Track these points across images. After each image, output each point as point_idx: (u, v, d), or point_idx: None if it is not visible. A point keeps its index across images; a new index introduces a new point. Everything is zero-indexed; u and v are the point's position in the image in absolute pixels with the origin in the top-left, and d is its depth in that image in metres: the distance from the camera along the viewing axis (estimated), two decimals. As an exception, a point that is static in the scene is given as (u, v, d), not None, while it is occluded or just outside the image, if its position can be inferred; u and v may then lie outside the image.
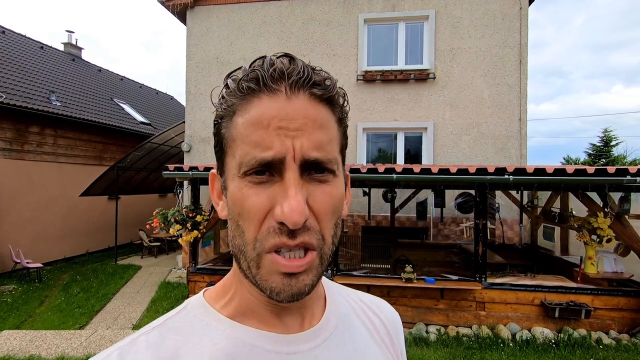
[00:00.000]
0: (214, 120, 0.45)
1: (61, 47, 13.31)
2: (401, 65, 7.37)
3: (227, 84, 0.43)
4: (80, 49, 13.91)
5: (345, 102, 0.45)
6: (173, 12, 8.06)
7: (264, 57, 0.42)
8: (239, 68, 0.43)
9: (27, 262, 7.62)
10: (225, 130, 0.42)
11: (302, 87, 0.40)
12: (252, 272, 0.41)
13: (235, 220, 0.42)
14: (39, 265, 7.80)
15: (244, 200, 0.40)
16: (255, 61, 0.42)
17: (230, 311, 0.46)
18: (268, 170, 0.39)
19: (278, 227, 0.38)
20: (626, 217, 4.54)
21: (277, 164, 0.39)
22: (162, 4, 8.04)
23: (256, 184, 0.40)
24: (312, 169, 0.40)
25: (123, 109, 12.18)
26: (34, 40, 11.90)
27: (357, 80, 7.37)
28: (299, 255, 0.39)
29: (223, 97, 0.43)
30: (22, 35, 11.52)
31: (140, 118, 12.45)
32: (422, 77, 7.14)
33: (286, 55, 0.42)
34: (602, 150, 18.59)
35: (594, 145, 19.09)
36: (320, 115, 0.41)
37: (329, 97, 0.42)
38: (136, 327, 5.15)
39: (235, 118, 0.41)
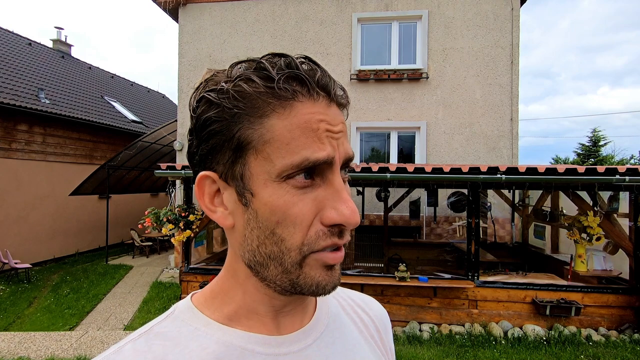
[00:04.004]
0: (217, 117, 0.40)
1: (50, 44, 13.08)
2: (394, 64, 7.39)
3: (245, 79, 0.40)
4: (69, 45, 13.66)
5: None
6: (165, 10, 7.97)
7: (285, 55, 0.40)
8: (244, 61, 0.41)
9: (15, 263, 7.49)
10: (251, 131, 0.39)
11: (335, 95, 0.43)
12: (289, 275, 0.41)
13: (270, 229, 0.40)
14: (28, 265, 7.67)
15: (288, 207, 0.39)
16: (273, 58, 0.41)
17: (220, 315, 0.45)
18: (311, 174, 0.40)
19: (328, 230, 0.40)
20: (615, 215, 4.62)
21: (326, 165, 0.40)
22: (154, 0, 7.95)
23: (299, 189, 0.39)
24: (342, 171, 0.43)
25: (114, 107, 12.01)
26: (21, 36, 11.67)
27: (351, 79, 7.37)
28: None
29: (240, 93, 0.39)
30: (9, 32, 11.27)
31: (131, 116, 12.28)
32: (415, 76, 7.18)
33: (306, 58, 0.43)
34: (591, 150, 18.90)
35: (583, 145, 19.42)
36: (344, 122, 0.45)
37: (347, 105, 0.46)
38: (127, 327, 5.09)
39: (270, 120, 0.39)
